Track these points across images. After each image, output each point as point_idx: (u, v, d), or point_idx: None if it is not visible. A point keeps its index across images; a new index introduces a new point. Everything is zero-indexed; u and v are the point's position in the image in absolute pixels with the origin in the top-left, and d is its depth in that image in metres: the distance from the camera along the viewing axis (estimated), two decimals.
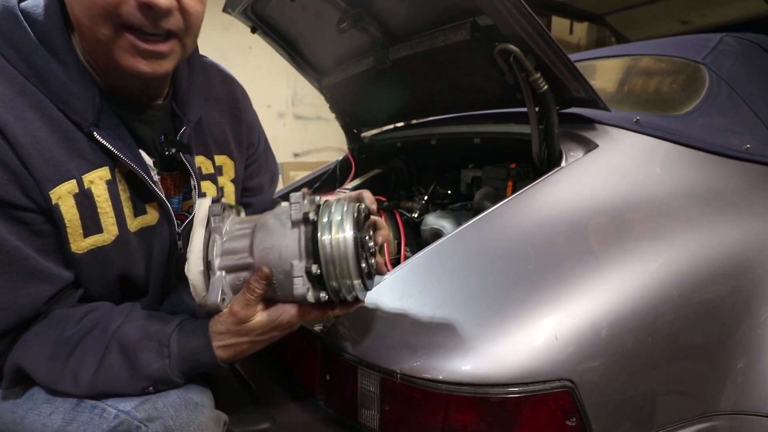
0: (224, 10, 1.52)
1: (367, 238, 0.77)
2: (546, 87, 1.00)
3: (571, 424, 0.77)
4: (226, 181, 1.01)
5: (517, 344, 0.76)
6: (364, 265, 0.72)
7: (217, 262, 0.72)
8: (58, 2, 0.76)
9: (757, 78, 1.39)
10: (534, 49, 0.96)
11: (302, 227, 0.71)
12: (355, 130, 1.85)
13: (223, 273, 0.72)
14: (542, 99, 1.02)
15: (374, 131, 1.91)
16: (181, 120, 0.90)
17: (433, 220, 1.40)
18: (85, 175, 0.76)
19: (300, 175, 1.94)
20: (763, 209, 1.06)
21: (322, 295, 0.71)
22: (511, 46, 0.97)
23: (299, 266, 0.70)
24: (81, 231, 0.77)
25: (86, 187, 0.76)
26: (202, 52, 0.98)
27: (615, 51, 1.92)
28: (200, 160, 0.94)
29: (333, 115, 1.84)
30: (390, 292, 0.87)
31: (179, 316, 0.79)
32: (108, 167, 0.78)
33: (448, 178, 1.70)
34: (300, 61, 1.70)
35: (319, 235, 0.70)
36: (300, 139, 4.88)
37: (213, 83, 1.00)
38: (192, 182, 0.90)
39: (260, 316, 0.73)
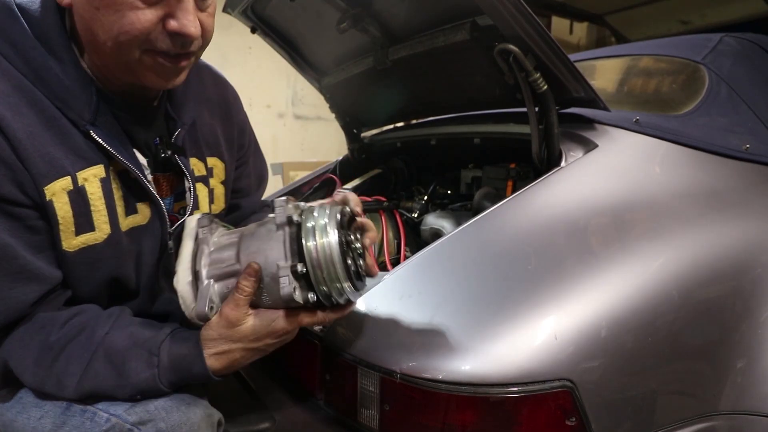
0: (224, 10, 1.51)
1: (353, 238, 0.77)
2: (546, 87, 1.00)
3: (571, 424, 0.77)
4: (216, 183, 1.01)
5: (517, 344, 0.76)
6: (351, 265, 0.72)
7: (204, 272, 0.73)
8: (54, 2, 0.76)
9: (756, 78, 1.39)
10: (534, 49, 0.96)
11: (286, 229, 0.71)
12: (355, 130, 1.85)
13: (212, 281, 0.72)
14: (542, 99, 1.02)
15: (374, 131, 1.91)
16: (175, 122, 0.90)
17: (432, 220, 1.40)
18: (80, 172, 0.76)
19: (300, 175, 1.94)
20: (763, 209, 1.06)
21: (311, 295, 0.71)
22: (511, 46, 0.97)
23: (285, 266, 0.70)
24: (73, 229, 0.76)
25: (80, 184, 0.76)
26: None
27: (615, 51, 1.92)
28: (193, 162, 0.94)
29: (333, 115, 1.84)
30: (390, 292, 0.87)
31: (170, 325, 0.78)
32: (103, 165, 0.78)
33: (448, 178, 1.70)
34: (300, 61, 1.70)
35: (303, 239, 0.70)
36: (300, 139, 4.88)
37: (205, 85, 1.00)
38: (187, 184, 0.90)
39: (251, 320, 0.72)
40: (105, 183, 0.78)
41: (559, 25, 5.26)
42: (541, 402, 0.75)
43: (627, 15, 4.78)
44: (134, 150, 0.84)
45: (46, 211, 0.74)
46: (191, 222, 0.78)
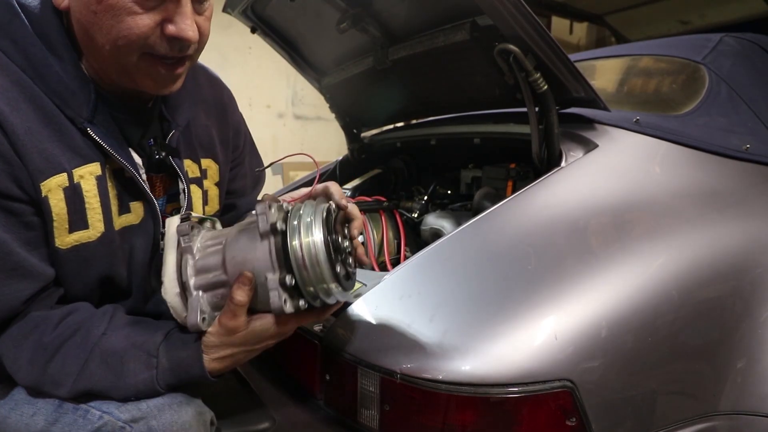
0: (224, 10, 1.52)
1: (340, 239, 0.76)
2: (546, 87, 1.00)
3: (571, 424, 0.77)
4: (210, 184, 1.01)
5: (517, 344, 0.76)
6: (339, 268, 0.72)
7: (192, 282, 0.72)
8: (51, 1, 0.76)
9: (756, 78, 1.39)
10: (534, 49, 0.96)
11: (272, 238, 0.70)
12: (354, 130, 1.85)
13: (200, 292, 0.72)
14: (542, 99, 1.02)
15: (374, 131, 1.91)
16: (169, 123, 0.90)
17: (432, 220, 1.40)
18: (76, 169, 0.76)
19: (300, 175, 1.94)
20: (763, 209, 1.06)
21: (301, 303, 0.71)
22: (511, 46, 0.97)
23: (273, 278, 0.69)
24: (67, 226, 0.76)
25: (76, 181, 0.76)
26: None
27: (615, 51, 1.92)
28: (187, 164, 0.94)
29: (333, 115, 1.84)
30: (390, 292, 0.87)
31: (166, 324, 0.78)
32: (99, 163, 0.78)
33: (448, 178, 1.70)
34: (300, 61, 1.70)
35: (289, 244, 0.69)
36: (300, 139, 4.88)
37: (201, 86, 1.00)
38: (181, 185, 0.90)
39: (251, 326, 0.73)
40: (100, 181, 0.78)
41: (559, 25, 5.26)
42: (541, 402, 0.75)
43: (627, 15, 4.78)
44: (129, 149, 0.84)
45: (41, 207, 0.73)
46: (171, 227, 0.76)
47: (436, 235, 1.33)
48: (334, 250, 0.71)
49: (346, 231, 0.80)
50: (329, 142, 4.69)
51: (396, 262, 1.37)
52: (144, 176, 0.85)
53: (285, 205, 0.74)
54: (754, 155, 1.17)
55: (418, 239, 1.47)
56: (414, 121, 1.89)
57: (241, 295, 0.69)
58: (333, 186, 0.85)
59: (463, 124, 1.48)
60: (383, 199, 1.50)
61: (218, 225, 0.84)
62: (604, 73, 1.79)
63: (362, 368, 0.82)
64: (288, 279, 0.69)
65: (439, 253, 0.92)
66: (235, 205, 1.14)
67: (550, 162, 1.04)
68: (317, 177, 1.16)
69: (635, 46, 1.79)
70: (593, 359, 0.79)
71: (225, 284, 0.72)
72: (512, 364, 0.75)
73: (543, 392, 0.75)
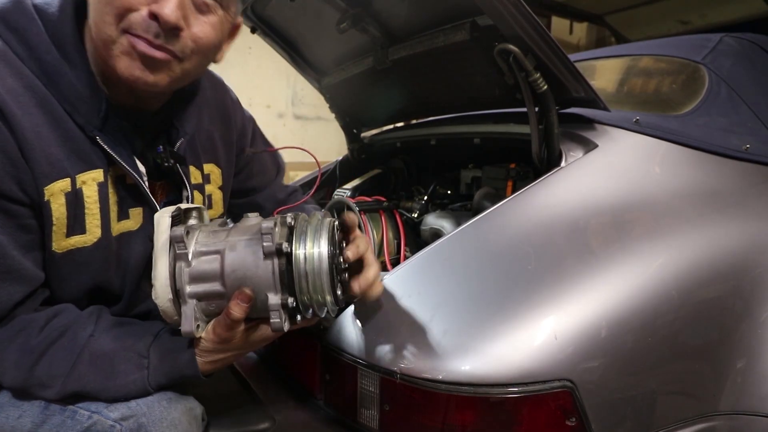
0: None
1: (341, 259, 0.76)
2: (546, 87, 1.00)
3: (571, 424, 0.77)
4: (213, 188, 1.01)
5: (517, 344, 0.76)
6: (337, 283, 0.72)
7: (187, 291, 0.70)
8: (72, 5, 0.76)
9: (756, 78, 1.39)
10: (534, 49, 0.96)
11: (275, 260, 0.69)
12: (354, 130, 1.85)
13: (195, 301, 0.71)
14: (542, 99, 1.01)
15: (374, 131, 1.91)
16: (177, 131, 0.90)
17: (432, 220, 1.40)
18: (79, 174, 0.76)
19: (300, 175, 1.94)
20: (763, 209, 1.06)
21: (299, 319, 0.72)
22: (511, 46, 0.97)
23: (275, 300, 0.69)
24: (65, 230, 0.76)
25: (78, 186, 0.76)
26: None
27: (615, 51, 1.92)
28: (191, 170, 0.95)
29: (333, 115, 1.84)
30: (390, 292, 0.87)
31: (154, 325, 0.78)
32: (102, 170, 0.79)
33: (448, 178, 1.70)
34: (300, 61, 1.70)
35: (293, 264, 0.69)
36: (300, 139, 4.88)
37: (204, 90, 0.99)
38: (185, 193, 0.91)
39: (247, 336, 0.73)
40: (102, 187, 0.79)
41: (559, 25, 5.26)
42: (541, 402, 0.75)
43: (627, 15, 4.78)
44: (134, 158, 0.85)
45: (41, 210, 0.74)
46: (162, 223, 0.72)
47: (436, 235, 1.33)
48: (335, 265, 0.72)
49: (348, 254, 0.80)
50: (329, 142, 4.68)
51: (396, 262, 1.37)
52: (147, 183, 0.85)
53: (289, 219, 0.73)
54: (754, 155, 1.17)
55: (418, 239, 1.47)
56: (414, 121, 1.89)
57: (239, 311, 0.69)
58: (350, 214, 0.85)
59: (463, 124, 1.48)
60: (383, 199, 1.50)
61: (205, 214, 0.84)
62: (604, 73, 1.78)
63: (362, 368, 0.82)
64: (290, 301, 0.69)
65: (439, 253, 0.92)
66: (256, 202, 1.16)
67: (550, 162, 1.04)
68: (319, 177, 1.16)
69: (635, 46, 1.79)
70: (593, 359, 0.79)
71: (222, 296, 0.71)
72: (512, 364, 0.75)
73: (543, 392, 0.75)
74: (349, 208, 1.43)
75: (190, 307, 0.70)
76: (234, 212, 1.21)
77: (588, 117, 1.14)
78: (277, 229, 0.70)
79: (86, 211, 0.77)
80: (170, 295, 0.70)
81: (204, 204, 0.97)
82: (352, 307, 0.89)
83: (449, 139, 1.56)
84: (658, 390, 0.87)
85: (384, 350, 0.81)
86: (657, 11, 4.46)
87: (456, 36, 1.16)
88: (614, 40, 5.11)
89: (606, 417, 0.80)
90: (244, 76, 4.28)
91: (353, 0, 1.30)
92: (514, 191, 1.20)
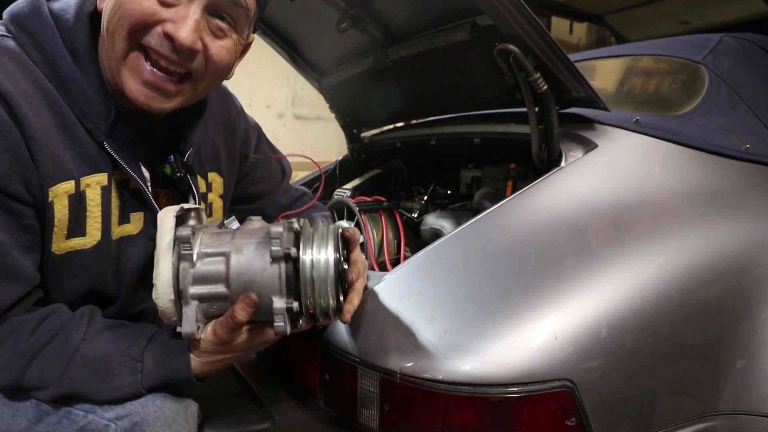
0: None
1: (344, 266, 0.77)
2: (546, 87, 1.00)
3: (571, 424, 0.77)
4: (214, 197, 1.02)
5: (517, 344, 0.76)
6: (340, 290, 0.73)
7: (190, 291, 0.70)
8: (87, 13, 0.77)
9: (756, 78, 1.39)
10: (534, 49, 0.96)
11: (283, 265, 0.69)
12: (354, 130, 1.85)
13: (197, 302, 0.71)
14: (542, 99, 1.02)
15: (374, 131, 1.91)
16: (185, 142, 0.91)
17: (432, 220, 1.40)
18: (84, 177, 0.77)
19: (300, 175, 1.94)
20: (763, 209, 1.06)
21: (300, 323, 0.73)
22: (511, 46, 0.97)
23: (280, 304, 0.69)
24: (65, 232, 0.77)
25: (82, 189, 0.77)
26: None
27: (615, 51, 1.92)
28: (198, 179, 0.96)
29: (333, 115, 1.84)
30: (390, 292, 0.87)
31: (147, 327, 0.79)
32: (107, 174, 0.79)
33: (448, 178, 1.70)
34: (300, 61, 1.70)
35: (300, 269, 0.70)
36: (300, 139, 4.88)
37: (210, 101, 1.00)
38: (191, 203, 0.91)
39: (245, 336, 0.73)
40: (105, 191, 0.79)
41: (559, 25, 5.26)
42: (541, 402, 0.75)
43: (627, 15, 4.78)
44: (139, 163, 0.85)
45: (44, 211, 0.74)
46: (165, 223, 0.71)
47: (436, 235, 1.33)
48: (340, 272, 0.73)
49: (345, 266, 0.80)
50: (329, 142, 4.69)
51: (396, 262, 1.37)
52: (150, 189, 0.85)
53: (296, 225, 0.73)
54: (754, 155, 1.17)
55: (418, 239, 1.47)
56: (414, 121, 1.89)
57: (243, 315, 0.69)
58: (354, 231, 0.86)
59: (463, 124, 1.48)
60: (383, 199, 1.50)
61: (203, 215, 0.84)
62: (604, 73, 1.79)
63: (362, 368, 0.82)
64: (295, 306, 0.70)
65: (439, 253, 0.92)
66: (261, 208, 1.16)
67: (550, 162, 1.04)
68: (322, 177, 1.16)
69: (635, 46, 1.79)
70: (593, 359, 0.79)
71: (225, 298, 0.71)
72: (512, 364, 0.75)
73: (543, 392, 0.75)
74: (349, 208, 1.43)
75: (192, 309, 0.70)
76: (239, 218, 1.21)
77: (588, 117, 1.14)
78: (284, 233, 0.69)
79: (88, 213, 0.78)
80: (172, 296, 0.69)
81: (206, 212, 0.97)
82: None
83: (449, 139, 1.56)
84: (658, 390, 0.87)
85: (384, 350, 0.81)
86: (657, 11, 4.47)
87: (456, 36, 1.16)
88: (614, 40, 5.11)
89: (606, 417, 0.80)
90: (244, 76, 4.24)
91: (353, 0, 1.30)
92: (514, 191, 1.20)
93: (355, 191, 1.64)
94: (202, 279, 0.70)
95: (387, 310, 0.85)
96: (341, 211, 1.48)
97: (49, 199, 0.74)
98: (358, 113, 1.84)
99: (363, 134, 1.88)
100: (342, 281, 0.76)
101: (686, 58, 1.44)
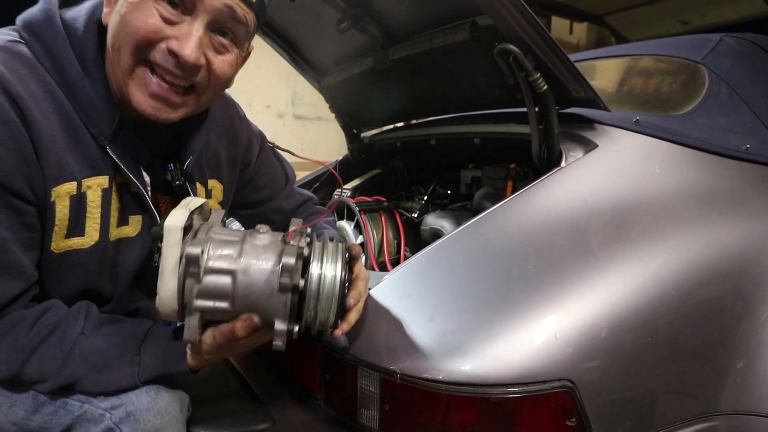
0: None
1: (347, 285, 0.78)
2: (546, 87, 1.00)
3: (571, 424, 0.77)
4: (214, 203, 1.04)
5: (517, 344, 0.76)
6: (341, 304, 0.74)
7: (194, 304, 0.70)
8: (96, 23, 0.80)
9: (756, 78, 1.39)
10: (534, 49, 0.96)
11: (290, 295, 0.70)
12: (354, 130, 1.85)
13: (200, 313, 0.71)
14: (542, 99, 1.02)
15: (374, 131, 1.91)
16: (186, 150, 0.92)
17: (432, 221, 1.40)
18: (86, 179, 0.79)
19: (300, 175, 1.94)
20: (763, 209, 1.06)
21: (295, 330, 0.73)
22: (511, 46, 0.97)
23: (281, 326, 0.70)
24: (65, 231, 0.79)
25: (83, 190, 0.79)
26: None
27: (615, 51, 1.92)
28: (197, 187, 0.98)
29: (333, 115, 1.84)
30: (390, 292, 0.87)
31: (144, 322, 0.81)
32: (108, 177, 0.81)
33: (448, 178, 1.70)
34: (300, 61, 1.70)
35: (306, 295, 0.71)
36: (300, 139, 4.88)
37: (214, 110, 1.01)
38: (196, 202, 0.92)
39: (245, 341, 0.76)
40: (106, 193, 0.81)
41: (559, 25, 5.26)
42: (541, 402, 0.75)
43: (627, 15, 4.79)
44: (141, 169, 0.87)
45: (46, 211, 0.76)
46: (172, 237, 0.68)
47: (436, 235, 1.34)
48: (344, 287, 0.74)
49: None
50: (329, 142, 4.69)
51: (396, 262, 1.37)
52: (149, 194, 0.87)
53: (305, 249, 0.72)
54: (754, 155, 1.17)
55: (418, 239, 1.48)
56: (414, 121, 1.89)
57: (243, 333, 0.71)
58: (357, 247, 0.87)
59: (463, 124, 1.48)
60: (383, 199, 1.50)
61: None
62: (604, 73, 1.79)
63: (362, 368, 0.82)
64: (296, 330, 0.71)
65: (439, 253, 0.92)
66: (263, 214, 1.18)
67: (550, 162, 1.04)
68: (336, 171, 1.14)
69: (635, 46, 1.79)
70: (593, 359, 0.79)
71: (228, 313, 0.71)
72: (512, 364, 0.75)
73: (543, 392, 0.75)
74: (349, 208, 1.43)
75: (195, 319, 0.71)
76: (242, 223, 1.22)
77: (588, 117, 1.14)
78: (296, 263, 0.69)
79: (87, 214, 0.80)
80: (176, 307, 0.70)
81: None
82: None
83: (449, 139, 1.56)
84: (658, 390, 0.87)
85: (384, 350, 0.81)
86: (657, 11, 4.47)
87: (456, 36, 1.16)
88: (614, 40, 5.11)
89: (606, 417, 0.80)
90: (244, 76, 4.22)
91: (353, 0, 1.30)
92: (514, 191, 1.20)
93: (355, 191, 1.64)
94: (207, 294, 0.70)
95: (387, 311, 0.85)
96: (341, 211, 1.48)
97: (51, 199, 0.76)
98: (358, 113, 1.84)
99: (363, 134, 1.88)
100: (344, 298, 0.77)
101: (686, 58, 1.44)
